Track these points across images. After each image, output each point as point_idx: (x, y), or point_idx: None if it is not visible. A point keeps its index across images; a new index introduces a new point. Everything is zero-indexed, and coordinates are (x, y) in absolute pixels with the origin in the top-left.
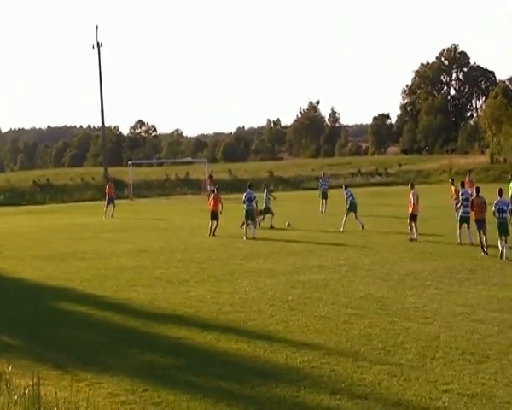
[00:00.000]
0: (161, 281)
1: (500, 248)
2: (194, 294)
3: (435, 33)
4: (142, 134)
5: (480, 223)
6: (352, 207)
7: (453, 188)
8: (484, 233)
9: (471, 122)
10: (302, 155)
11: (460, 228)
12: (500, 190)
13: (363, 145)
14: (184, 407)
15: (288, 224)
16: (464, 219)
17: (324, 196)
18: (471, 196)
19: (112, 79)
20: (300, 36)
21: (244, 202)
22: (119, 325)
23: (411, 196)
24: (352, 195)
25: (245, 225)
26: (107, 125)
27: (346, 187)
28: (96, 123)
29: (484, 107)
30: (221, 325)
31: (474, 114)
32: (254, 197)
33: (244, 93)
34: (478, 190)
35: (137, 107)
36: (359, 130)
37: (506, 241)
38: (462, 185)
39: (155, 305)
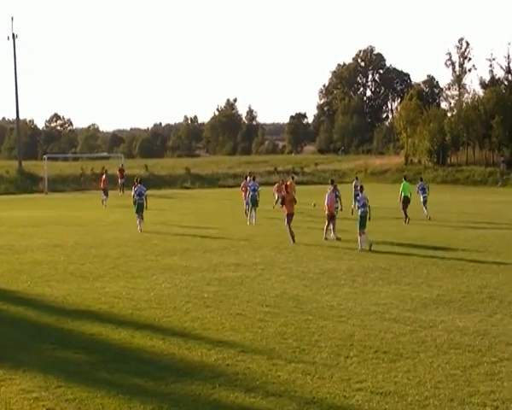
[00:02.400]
0: (76, 276)
1: (366, 238)
2: (108, 290)
3: (352, 34)
4: (58, 128)
5: (290, 217)
6: (252, 201)
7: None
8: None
9: (386, 123)
10: (219, 153)
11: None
12: (361, 187)
13: (280, 144)
14: (98, 403)
15: (314, 204)
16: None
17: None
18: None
19: (27, 71)
20: (218, 33)
21: (133, 196)
22: (33, 321)
23: (328, 196)
24: (254, 189)
25: (138, 218)
26: (22, 118)
27: (254, 179)
28: (11, 116)
29: (399, 108)
30: (136, 321)
31: (390, 116)
32: (145, 191)
33: (161, 89)
34: (286, 187)
35: (53, 100)
36: (276, 128)
37: (364, 232)
38: (332, 182)
39: (69, 300)
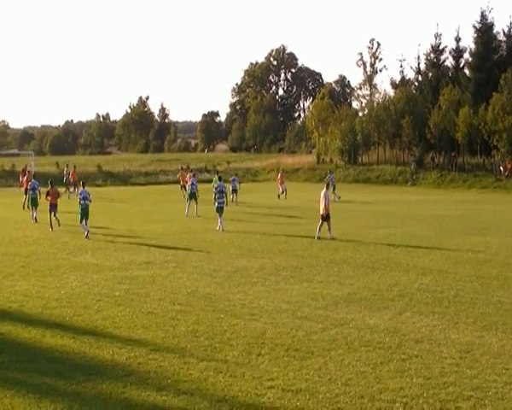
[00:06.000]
0: None
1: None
2: (18, 288)
3: (265, 33)
4: None
5: (54, 207)
6: (190, 195)
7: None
8: (55, 215)
9: (299, 122)
10: (131, 150)
11: (220, 217)
12: (83, 184)
13: (193, 142)
14: (7, 403)
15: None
16: (219, 209)
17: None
18: None
19: None
20: (130, 30)
21: (29, 190)
22: None
23: (325, 196)
24: (193, 184)
25: (32, 212)
26: None
27: (194, 175)
28: None
29: (311, 107)
30: (46, 320)
31: (302, 115)
32: (38, 185)
33: (73, 86)
34: (52, 183)
35: None
36: (189, 126)
37: (86, 223)
38: (220, 179)
39: None
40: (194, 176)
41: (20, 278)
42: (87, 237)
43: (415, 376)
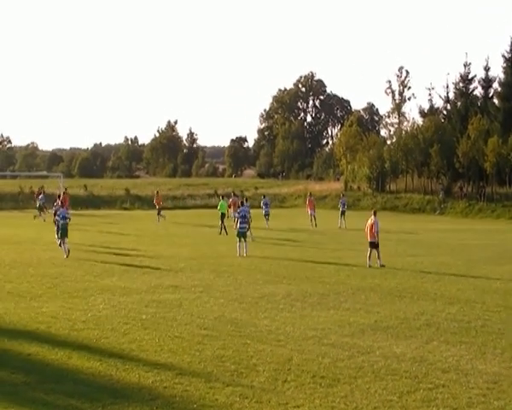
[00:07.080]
0: (13, 295)
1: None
2: (46, 310)
3: (293, 60)
4: None
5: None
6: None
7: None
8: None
9: (327, 149)
10: (159, 174)
11: (239, 241)
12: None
13: (220, 167)
14: None
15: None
16: (241, 234)
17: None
18: None
19: None
20: (159, 55)
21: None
22: None
23: (374, 224)
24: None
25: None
26: None
27: (246, 200)
28: None
29: (339, 135)
30: (73, 341)
31: (330, 142)
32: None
33: (102, 109)
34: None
35: None
36: (216, 151)
37: (65, 242)
38: (242, 204)
39: (6, 320)
40: (246, 201)
41: (48, 299)
42: (66, 256)
43: (441, 406)
